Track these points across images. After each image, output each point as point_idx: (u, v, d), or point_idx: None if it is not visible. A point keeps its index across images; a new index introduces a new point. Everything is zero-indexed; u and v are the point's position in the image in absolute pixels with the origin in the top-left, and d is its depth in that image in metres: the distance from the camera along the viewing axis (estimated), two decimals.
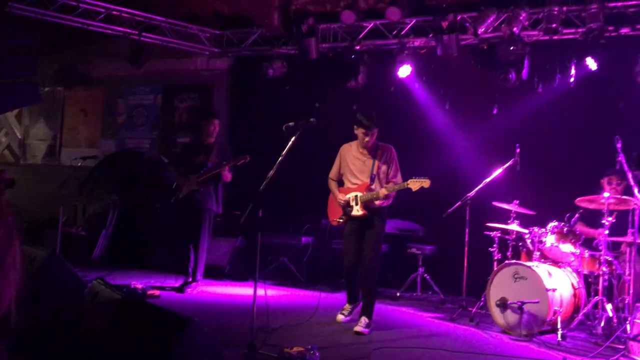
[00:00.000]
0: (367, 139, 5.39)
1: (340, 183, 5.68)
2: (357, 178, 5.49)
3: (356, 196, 5.41)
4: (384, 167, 5.45)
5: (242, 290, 7.00)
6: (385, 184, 5.45)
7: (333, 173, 5.66)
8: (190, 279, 6.83)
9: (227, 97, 9.54)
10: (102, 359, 3.51)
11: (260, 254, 4.57)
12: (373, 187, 5.40)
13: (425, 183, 5.19)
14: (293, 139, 4.72)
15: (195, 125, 9.38)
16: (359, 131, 5.43)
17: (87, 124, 10.86)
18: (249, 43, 8.78)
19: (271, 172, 4.56)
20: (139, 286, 6.38)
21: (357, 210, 5.39)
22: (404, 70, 7.75)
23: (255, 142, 7.96)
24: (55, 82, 10.86)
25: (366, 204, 5.38)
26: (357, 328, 5.20)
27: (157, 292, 6.38)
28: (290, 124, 4.75)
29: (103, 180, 9.72)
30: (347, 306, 5.66)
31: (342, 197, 5.47)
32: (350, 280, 5.65)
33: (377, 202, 5.40)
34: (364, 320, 5.28)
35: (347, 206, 5.43)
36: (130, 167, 9.68)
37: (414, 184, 5.20)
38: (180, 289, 6.73)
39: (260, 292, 4.39)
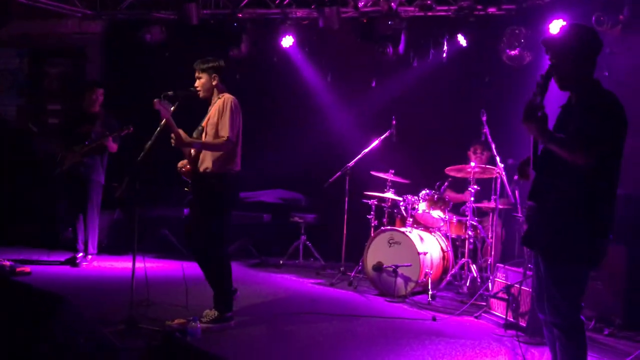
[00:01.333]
0: (196, 82, 4.52)
1: None
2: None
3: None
4: (214, 119, 4.41)
5: (120, 264, 6.81)
6: (214, 138, 4.37)
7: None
8: (81, 253, 6.68)
9: (102, 63, 9.04)
10: None
11: (140, 227, 4.46)
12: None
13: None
14: (172, 108, 4.59)
15: (67, 93, 8.87)
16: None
17: None
18: (125, 6, 8.34)
19: (149, 143, 4.42)
20: (7, 263, 6.00)
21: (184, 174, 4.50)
22: (287, 41, 7.77)
23: (132, 111, 7.64)
24: None
25: (191, 166, 4.44)
26: (200, 324, 4.20)
27: (27, 269, 6.04)
28: (170, 92, 4.60)
29: None
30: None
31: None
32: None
33: (204, 162, 4.39)
34: (208, 312, 4.42)
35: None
36: None
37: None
38: (72, 263, 6.57)
39: (140, 265, 4.30)
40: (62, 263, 6.63)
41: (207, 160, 4.37)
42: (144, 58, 8.32)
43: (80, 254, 6.66)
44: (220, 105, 4.40)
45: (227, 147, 4.32)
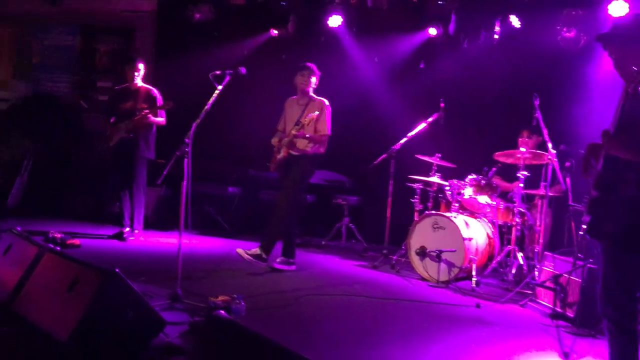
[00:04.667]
0: (300, 79, 5.75)
1: None
2: (290, 126, 5.76)
3: (281, 140, 5.79)
4: (311, 116, 5.62)
5: (166, 240, 6.93)
6: (313, 132, 5.70)
7: (279, 124, 5.98)
8: (128, 228, 6.80)
9: (152, 41, 9.14)
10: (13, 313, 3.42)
11: (185, 203, 4.51)
12: (294, 131, 5.65)
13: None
14: (220, 87, 4.62)
15: (117, 70, 9.01)
16: (296, 76, 5.79)
17: None
18: None
19: (197, 121, 4.47)
20: (58, 235, 6.18)
21: (281, 153, 5.73)
22: (335, 21, 7.68)
23: (181, 89, 7.73)
24: None
25: (289, 148, 5.69)
26: (272, 264, 5.63)
27: (77, 242, 6.21)
28: (217, 72, 4.65)
29: (17, 124, 9.21)
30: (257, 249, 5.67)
31: (275, 141, 5.84)
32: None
33: (299, 146, 5.68)
34: (280, 258, 5.70)
35: (277, 151, 5.78)
36: (46, 112, 9.20)
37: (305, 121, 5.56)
38: (119, 237, 6.70)
39: (185, 241, 4.36)
40: (109, 237, 6.79)
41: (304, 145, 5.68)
42: (194, 36, 8.37)
43: (127, 229, 6.80)
44: (319, 107, 5.65)
45: (326, 140, 5.69)
